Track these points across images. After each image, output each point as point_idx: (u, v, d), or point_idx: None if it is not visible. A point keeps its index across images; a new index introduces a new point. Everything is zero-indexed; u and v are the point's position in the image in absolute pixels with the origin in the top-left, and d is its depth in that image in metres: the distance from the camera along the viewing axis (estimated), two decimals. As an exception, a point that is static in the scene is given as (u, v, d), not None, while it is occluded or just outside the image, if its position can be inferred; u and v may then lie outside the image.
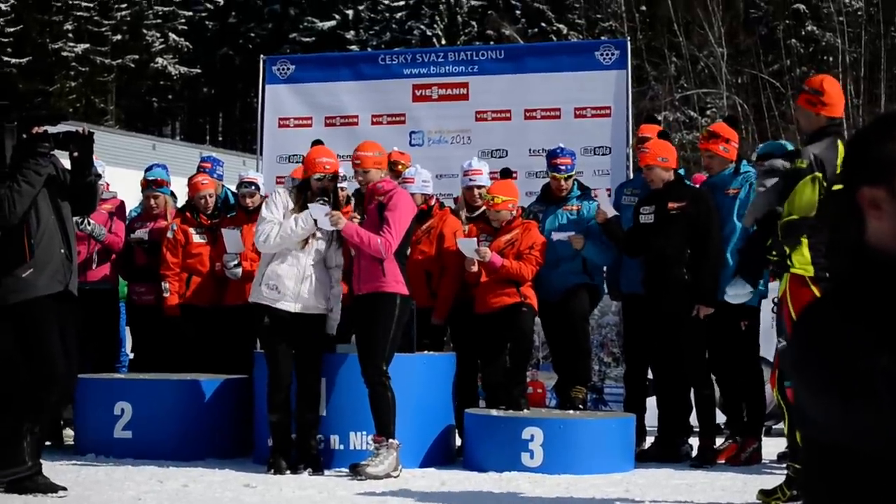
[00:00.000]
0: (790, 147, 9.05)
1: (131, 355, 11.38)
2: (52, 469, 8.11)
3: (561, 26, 45.54)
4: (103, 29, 46.52)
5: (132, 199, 11.77)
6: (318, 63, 13.04)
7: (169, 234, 10.51)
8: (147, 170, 11.18)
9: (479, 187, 10.14)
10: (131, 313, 11.01)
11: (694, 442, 9.63)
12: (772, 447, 9.63)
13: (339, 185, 9.43)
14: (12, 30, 44.59)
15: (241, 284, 9.97)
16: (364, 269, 8.83)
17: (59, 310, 7.76)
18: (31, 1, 45.04)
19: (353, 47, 45.87)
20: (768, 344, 9.81)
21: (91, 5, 46.40)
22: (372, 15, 49.73)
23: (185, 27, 49.63)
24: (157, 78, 48.66)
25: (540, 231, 9.79)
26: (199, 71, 49.28)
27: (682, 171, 10.21)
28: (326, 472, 8.79)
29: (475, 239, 9.64)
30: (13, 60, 44.31)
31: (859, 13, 38.46)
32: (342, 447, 9.06)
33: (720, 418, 9.98)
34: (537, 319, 9.90)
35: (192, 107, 54.71)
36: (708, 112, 39.53)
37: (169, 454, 9.24)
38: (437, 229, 9.93)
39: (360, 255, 8.88)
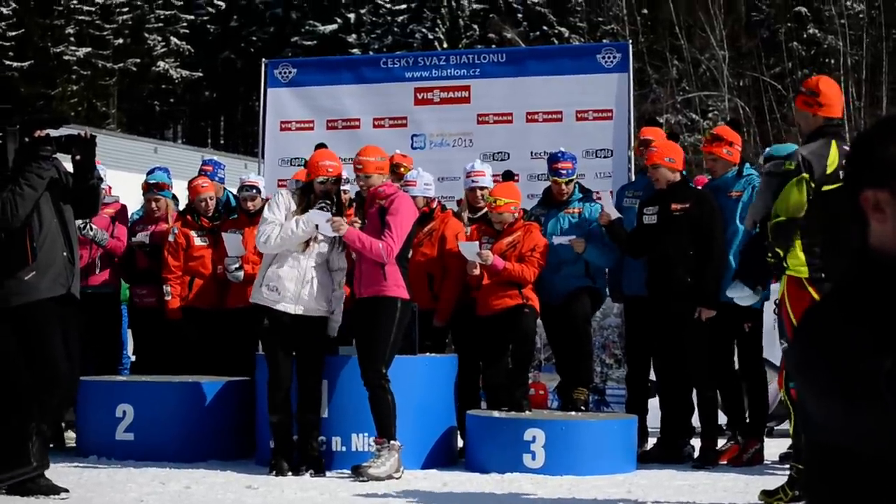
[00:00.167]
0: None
1: (133, 358, 11.39)
2: (54, 471, 8.09)
3: (562, 29, 45.56)
4: (105, 33, 46.56)
5: (134, 202, 11.78)
6: (320, 66, 13.05)
7: (170, 238, 10.52)
8: (148, 173, 11.19)
9: (482, 189, 10.15)
10: (133, 316, 11.03)
11: (696, 443, 9.63)
12: (774, 448, 9.63)
13: (341, 187, 9.44)
14: (14, 34, 44.64)
15: (243, 287, 9.98)
16: (365, 273, 8.84)
17: (62, 313, 7.77)
18: (32, 5, 45.09)
19: (354, 51, 45.89)
20: (771, 345, 9.82)
21: (93, 9, 46.45)
22: (374, 18, 49.76)
23: (187, 31, 49.66)
24: (159, 81, 48.69)
25: (542, 234, 9.80)
26: (200, 74, 49.32)
27: (683, 174, 10.20)
28: (328, 474, 8.80)
29: (477, 242, 9.64)
30: (15, 64, 44.35)
31: (861, 16, 38.48)
32: (344, 449, 9.07)
33: (722, 419, 9.98)
34: (539, 321, 9.90)
35: (194, 110, 54.75)
36: (710, 115, 39.53)
37: (171, 456, 9.25)
38: (439, 232, 9.94)
39: (361, 259, 8.89)
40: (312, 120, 12.17)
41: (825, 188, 7.04)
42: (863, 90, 36.26)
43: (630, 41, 12.55)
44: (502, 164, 11.13)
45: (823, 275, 7.03)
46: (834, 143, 7.22)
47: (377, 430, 8.68)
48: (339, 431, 9.07)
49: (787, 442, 9.05)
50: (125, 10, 47.23)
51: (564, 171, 9.95)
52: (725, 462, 9.43)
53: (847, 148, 7.07)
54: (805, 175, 7.05)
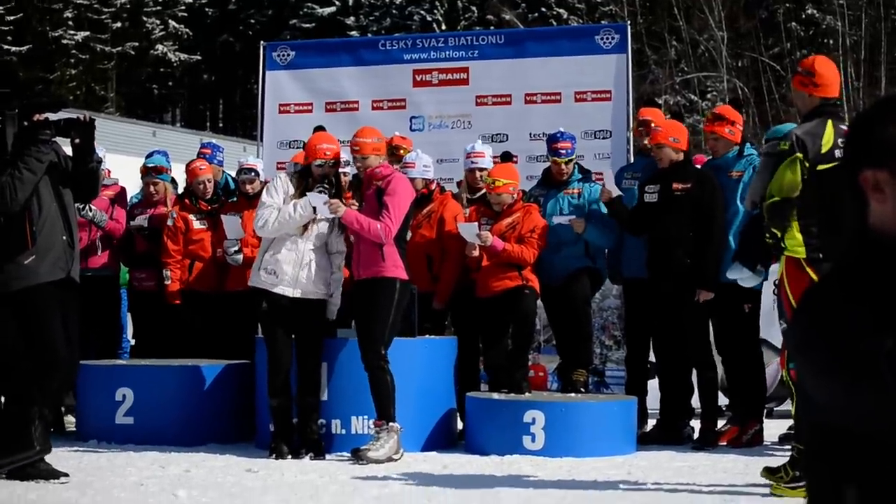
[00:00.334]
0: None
1: (133, 341, 11.39)
2: (54, 455, 8.07)
3: (561, 11, 45.46)
4: (103, 16, 46.43)
5: (132, 185, 11.77)
6: (319, 49, 13.02)
7: (169, 222, 10.51)
8: (147, 157, 11.18)
9: (482, 170, 10.14)
10: (132, 300, 11.02)
11: (695, 424, 9.63)
12: (773, 429, 9.64)
13: (341, 170, 9.43)
14: (12, 18, 44.53)
15: (243, 270, 9.96)
16: (364, 255, 8.84)
17: (61, 297, 7.77)
18: (30, -11, 44.99)
19: (353, 33, 45.78)
20: (769, 326, 9.82)
21: (91, -7, 46.34)
22: (372, 0, 49.63)
23: (185, 14, 49.52)
24: (158, 65, 48.58)
25: (541, 215, 9.79)
26: (199, 58, 49.18)
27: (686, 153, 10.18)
28: (328, 457, 8.81)
29: (476, 223, 9.64)
30: (13, 48, 44.25)
31: (859, -4, 38.41)
32: (343, 431, 9.07)
33: (722, 401, 9.99)
34: (539, 303, 9.90)
35: (193, 93, 54.65)
36: (708, 95, 39.48)
37: (171, 440, 9.25)
38: (438, 213, 9.93)
39: (359, 241, 8.89)
40: (311, 102, 12.15)
41: (820, 168, 7.03)
42: (861, 70, 36.21)
43: (628, 22, 12.54)
44: (501, 145, 11.12)
45: (821, 255, 7.03)
46: (829, 122, 7.20)
47: (377, 412, 8.68)
48: (338, 414, 9.08)
49: (787, 423, 9.07)
50: (123, -7, 47.12)
51: (564, 151, 9.94)
52: (725, 443, 9.43)
53: (845, 128, 7.05)
54: (799, 155, 7.03)
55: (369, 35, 42.01)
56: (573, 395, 9.51)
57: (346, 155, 9.35)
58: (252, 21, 51.37)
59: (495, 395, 9.31)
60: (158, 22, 48.15)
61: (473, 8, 47.23)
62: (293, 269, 8.80)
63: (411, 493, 7.41)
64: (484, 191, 9.98)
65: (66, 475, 7.69)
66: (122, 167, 13.15)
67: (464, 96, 11.75)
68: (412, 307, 9.16)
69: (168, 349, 10.34)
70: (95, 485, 7.59)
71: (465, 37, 12.39)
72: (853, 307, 1.93)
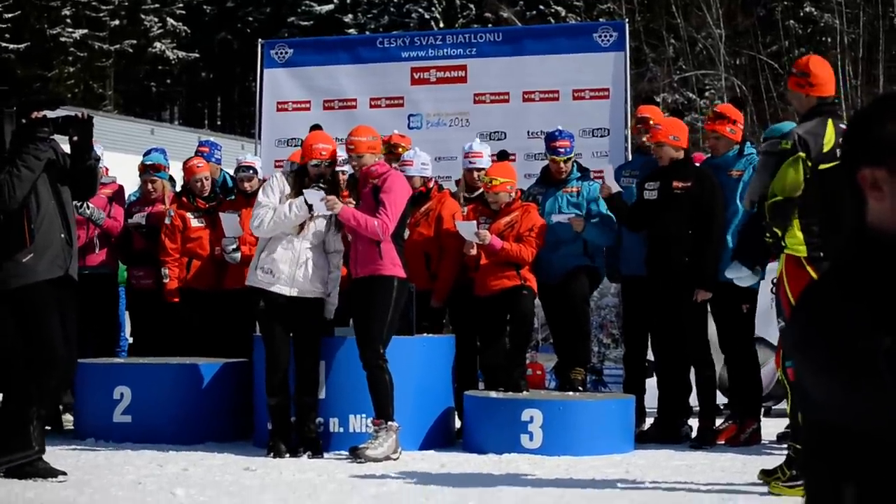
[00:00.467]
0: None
1: (131, 340, 11.37)
2: (52, 454, 8.09)
3: (559, 8, 45.41)
4: (101, 14, 46.39)
5: (131, 183, 11.76)
6: (317, 47, 13.01)
7: (167, 221, 10.49)
8: (145, 154, 11.16)
9: (479, 170, 10.12)
10: (130, 298, 11.00)
11: (693, 423, 9.63)
12: (771, 428, 9.63)
13: (340, 168, 9.42)
14: (10, 15, 44.48)
15: (241, 268, 9.95)
16: (361, 253, 8.83)
17: (59, 295, 7.76)
18: (29, -14, 44.94)
19: (351, 31, 45.75)
20: (766, 324, 9.81)
21: (89, -10, 46.30)
22: (370, -2, 49.60)
23: (183, 12, 49.46)
24: (156, 63, 48.52)
25: (540, 214, 9.79)
26: (197, 55, 49.14)
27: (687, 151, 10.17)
28: (326, 455, 8.81)
29: (474, 222, 9.63)
30: (11, 46, 44.21)
31: (857, -6, 38.37)
32: (342, 430, 9.06)
33: (720, 399, 9.98)
34: (537, 301, 9.89)
35: (191, 91, 54.58)
36: (706, 93, 39.45)
37: (169, 438, 9.24)
38: (436, 212, 9.92)
39: (356, 239, 8.88)
40: (309, 100, 12.15)
41: (822, 167, 7.02)
42: (859, 68, 36.18)
43: (626, 20, 12.53)
44: (499, 143, 11.12)
45: (822, 254, 7.02)
46: (830, 121, 7.21)
47: (375, 411, 8.68)
48: (336, 413, 9.07)
49: (785, 422, 9.05)
50: (121, -9, 47.08)
51: (562, 150, 9.93)
52: (723, 442, 9.43)
53: (844, 126, 7.05)
54: (801, 154, 7.03)
55: (367, 33, 41.99)
56: (571, 393, 9.50)
57: (343, 153, 9.34)
58: (250, 19, 51.33)
59: (493, 394, 9.30)
60: (156, 20, 48.10)
61: (471, 6, 47.19)
62: (290, 268, 8.80)
63: (409, 492, 7.40)
64: (482, 190, 9.97)
65: (64, 473, 7.68)
66: (120, 165, 13.13)
67: (462, 94, 11.75)
68: (410, 305, 9.15)
69: (166, 347, 10.33)
70: (93, 483, 7.58)
71: (463, 35, 12.39)
72: (851, 305, 1.93)
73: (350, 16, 48.85)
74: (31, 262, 7.67)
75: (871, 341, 1.87)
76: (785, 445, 8.24)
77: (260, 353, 9.07)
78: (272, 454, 8.72)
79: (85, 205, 10.09)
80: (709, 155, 10.20)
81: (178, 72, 50.63)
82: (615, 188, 9.65)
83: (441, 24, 45.02)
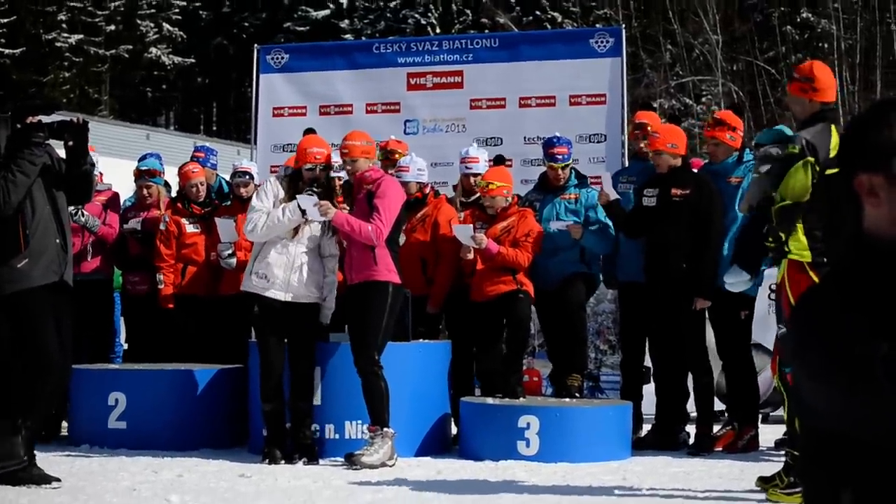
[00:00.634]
0: (788, 132, 9.03)
1: (125, 346, 11.34)
2: (46, 460, 8.08)
3: (555, 14, 45.45)
4: (97, 19, 46.38)
5: (126, 189, 11.73)
6: (313, 52, 13.00)
7: (161, 226, 10.47)
8: (140, 160, 11.14)
9: (476, 175, 10.11)
10: (126, 304, 10.97)
11: (691, 429, 9.60)
12: (769, 434, 9.61)
13: (335, 173, 9.41)
14: (6, 20, 44.46)
15: (236, 274, 9.91)
16: (355, 259, 8.81)
17: (54, 300, 7.73)
18: (24, -9, 44.93)
19: (347, 36, 45.74)
20: (764, 331, 9.80)
21: (85, -4, 46.29)
22: (366, 4, 49.60)
23: (179, 17, 49.47)
24: (151, 68, 48.52)
25: (538, 220, 9.76)
26: (193, 61, 49.15)
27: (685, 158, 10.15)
28: (321, 462, 8.78)
29: (471, 226, 9.61)
30: (6, 51, 44.19)
31: (854, 0, 38.40)
32: (337, 436, 9.03)
33: (718, 406, 9.95)
34: (533, 307, 9.87)
35: (186, 97, 54.57)
36: (703, 99, 39.49)
37: (163, 444, 9.22)
38: (432, 217, 9.90)
39: (351, 245, 8.86)
40: (305, 106, 12.13)
41: (828, 171, 7.01)
42: (857, 74, 36.21)
43: (623, 25, 12.52)
44: (495, 149, 11.09)
45: (825, 259, 7.00)
46: (833, 127, 7.20)
47: (370, 418, 8.65)
48: (332, 419, 9.04)
49: (783, 428, 9.03)
50: (117, -4, 47.08)
51: (560, 157, 9.91)
52: (721, 448, 9.41)
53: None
54: (810, 158, 7.01)
55: (363, 38, 42.00)
56: (568, 399, 9.48)
57: (338, 158, 9.32)
58: (246, 24, 51.34)
59: (489, 400, 9.28)
60: (152, 25, 48.11)
61: (468, 11, 47.21)
62: (284, 273, 8.77)
63: (405, 499, 7.38)
64: (478, 195, 9.95)
65: (58, 480, 7.65)
66: (115, 170, 13.13)
67: (458, 100, 11.73)
68: (406, 311, 9.13)
69: (161, 353, 10.30)
70: (87, 490, 7.55)
71: (460, 40, 12.37)
72: (849, 312, 1.93)
73: (346, 21, 48.86)
74: (26, 268, 7.64)
75: (868, 347, 1.86)
76: (782, 452, 8.23)
77: (255, 359, 9.04)
78: (267, 461, 8.70)
79: (79, 212, 10.06)
80: (707, 161, 10.18)
81: (174, 77, 50.63)
82: (613, 195, 9.63)
83: (437, 30, 45.05)
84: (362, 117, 11.75)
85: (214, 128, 54.13)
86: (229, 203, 10.69)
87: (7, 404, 7.64)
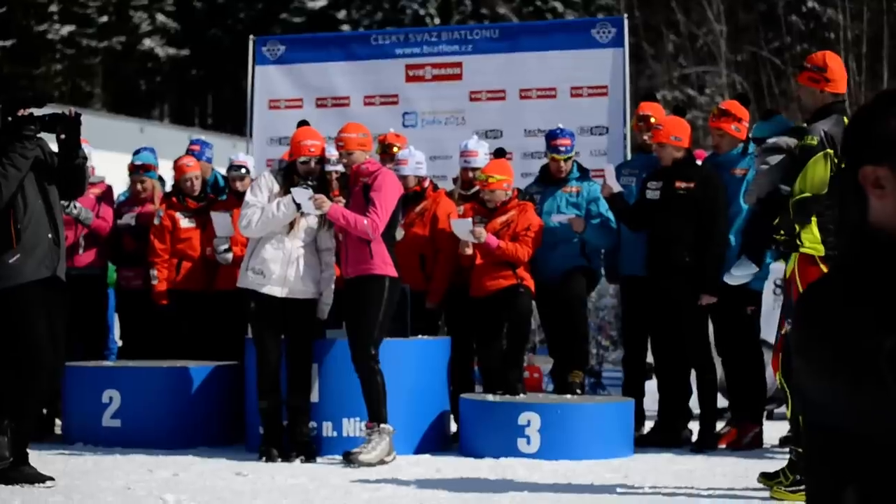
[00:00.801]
0: (789, 123, 8.95)
1: (120, 342, 11.27)
2: (40, 459, 8.05)
3: (556, 4, 45.41)
4: (89, 10, 46.29)
5: (120, 183, 11.65)
6: (309, 43, 12.89)
7: (156, 221, 10.38)
8: (134, 154, 11.04)
9: (475, 169, 10.03)
10: (120, 299, 10.90)
11: (694, 426, 9.54)
12: (773, 431, 9.61)
13: (333, 167, 9.33)
14: (-3, 12, 44.39)
15: (232, 269, 9.84)
16: (351, 253, 8.76)
17: (47, 296, 7.70)
18: (15, -18, 44.84)
19: (344, 27, 45.70)
20: (769, 327, 9.70)
21: (77, -14, 46.21)
22: (363, -6, 49.55)
23: (173, 8, 49.41)
24: (145, 60, 48.47)
25: (538, 213, 9.68)
26: (187, 52, 49.10)
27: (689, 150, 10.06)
28: (319, 460, 8.76)
29: (470, 220, 9.53)
30: (-3, 43, 44.12)
31: (861, -11, 38.33)
32: (335, 434, 9.00)
33: (721, 402, 9.89)
34: (534, 302, 9.80)
35: (181, 89, 54.52)
36: (707, 90, 39.44)
37: (158, 443, 9.18)
38: (431, 211, 9.84)
39: (347, 239, 8.81)
40: (301, 98, 12.03)
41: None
42: (863, 65, 36.13)
43: (625, 15, 12.36)
44: (495, 141, 10.99)
45: (837, 252, 6.91)
46: (845, 119, 7.13)
47: (368, 414, 8.60)
48: (329, 416, 9.00)
49: (787, 425, 8.97)
50: (110, -14, 47.01)
51: (563, 148, 9.83)
52: (724, 446, 9.37)
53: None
54: (830, 150, 6.95)
55: (361, 29, 41.93)
56: (569, 396, 9.42)
57: (333, 151, 9.23)
58: (241, 15, 51.23)
59: (489, 397, 9.24)
60: (146, 16, 48.04)
61: (467, 2, 47.16)
62: (281, 268, 8.70)
63: (404, 497, 7.34)
64: (478, 188, 9.86)
65: (52, 479, 7.62)
66: (108, 164, 13.00)
67: (457, 92, 11.64)
68: (405, 307, 9.06)
69: (156, 350, 10.23)
70: (82, 489, 7.52)
71: (459, 31, 12.32)
72: (854, 306, 1.90)
73: (343, 12, 48.79)
74: (18, 263, 7.61)
75: (873, 342, 1.84)
76: (787, 449, 8.17)
77: (251, 355, 8.99)
78: (264, 459, 8.65)
79: (72, 204, 9.97)
80: (711, 152, 10.10)
81: (168, 69, 50.57)
82: (616, 188, 9.55)
83: (436, 21, 44.99)
84: (360, 110, 11.65)
85: (209, 121, 54.10)
86: (225, 197, 10.61)
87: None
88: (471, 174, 10.08)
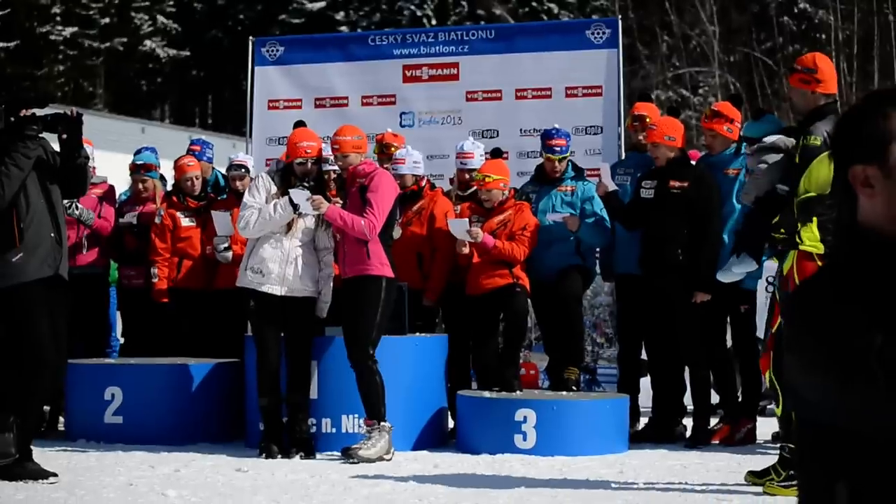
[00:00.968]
0: (781, 123, 8.99)
1: (122, 340, 11.32)
2: (43, 455, 8.08)
3: (552, 5, 45.40)
4: (91, 12, 46.27)
5: (121, 182, 11.68)
6: (308, 44, 12.93)
7: (157, 220, 10.43)
8: (136, 153, 11.09)
9: (471, 170, 10.07)
10: (122, 298, 10.94)
11: (688, 422, 9.59)
12: (766, 427, 9.61)
13: (331, 167, 9.38)
14: (0, 13, 44.37)
15: (232, 268, 9.88)
16: (349, 253, 8.80)
17: (49, 295, 7.71)
18: (18, -16, 44.82)
19: (342, 28, 45.68)
20: (762, 324, 9.77)
21: (79, -12, 46.19)
22: (361, -5, 49.52)
23: (174, 9, 49.37)
24: (146, 61, 48.43)
25: (533, 212, 9.74)
26: (187, 53, 49.07)
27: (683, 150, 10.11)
28: (318, 456, 8.77)
29: (466, 219, 9.58)
30: (1, 44, 44.10)
31: (852, -10, 38.32)
32: (334, 430, 9.03)
33: (714, 399, 9.94)
34: (529, 300, 9.84)
35: (182, 89, 54.49)
36: (700, 91, 39.44)
37: (160, 439, 9.20)
38: (428, 210, 9.88)
39: (344, 239, 8.84)
40: (300, 98, 12.07)
41: None
42: (854, 65, 36.15)
43: (619, 17, 12.43)
44: (492, 141, 11.05)
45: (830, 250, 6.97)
46: None
47: (366, 412, 8.64)
48: (329, 413, 9.03)
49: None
50: (112, -12, 46.98)
51: (558, 148, 9.88)
52: (718, 442, 9.40)
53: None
54: None
55: (359, 30, 41.91)
56: (565, 393, 9.46)
57: (329, 152, 9.28)
58: (241, 16, 51.22)
59: (486, 394, 9.27)
60: (147, 17, 48.01)
61: (463, 3, 47.14)
62: (279, 267, 8.75)
63: (402, 493, 7.38)
64: (474, 188, 9.92)
65: (55, 475, 7.65)
66: (110, 164, 13.07)
67: (454, 92, 11.68)
68: (403, 305, 9.10)
69: (157, 348, 10.28)
70: (84, 485, 7.55)
71: (456, 32, 12.32)
72: (845, 304, 1.93)
73: (342, 13, 48.79)
74: (21, 262, 7.62)
75: (864, 339, 1.86)
76: (779, 445, 8.21)
77: (251, 353, 9.02)
78: (264, 455, 8.68)
79: (73, 205, 10.02)
80: (704, 152, 10.16)
81: (169, 70, 50.54)
82: (611, 186, 9.60)
83: (433, 22, 44.97)
84: (358, 110, 11.71)
85: (210, 121, 54.05)
86: (225, 196, 10.66)
87: (1, 400, 7.63)
88: (467, 175, 10.12)
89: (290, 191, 8.73)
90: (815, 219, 6.99)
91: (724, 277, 8.73)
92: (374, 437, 8.55)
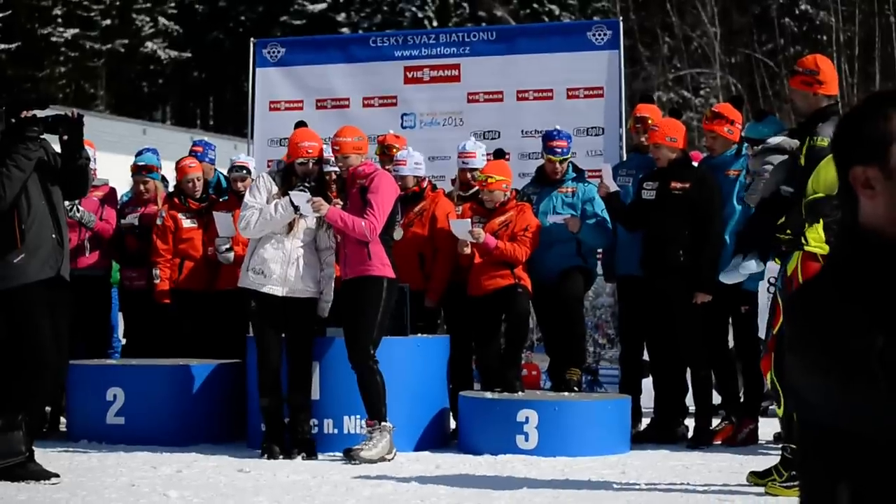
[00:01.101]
0: (783, 124, 8.98)
1: (123, 341, 11.33)
2: (45, 456, 8.08)
3: (553, 7, 45.41)
4: (93, 14, 46.28)
5: (123, 184, 11.69)
6: (309, 46, 12.94)
7: (158, 221, 10.44)
8: (137, 155, 11.10)
9: (473, 170, 10.08)
10: (123, 299, 10.95)
11: (690, 423, 9.59)
12: (768, 428, 9.61)
13: (332, 168, 9.38)
14: (1, 15, 44.38)
15: (234, 269, 9.89)
16: (350, 254, 8.80)
17: (51, 296, 7.71)
18: (19, -14, 44.83)
19: (343, 30, 45.70)
20: (764, 325, 9.78)
21: (80, -10, 46.20)
22: (363, -3, 49.55)
23: (175, 11, 49.39)
24: (147, 62, 48.45)
25: (534, 213, 9.74)
26: (189, 55, 49.09)
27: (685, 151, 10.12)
28: (320, 457, 8.77)
29: (468, 220, 9.59)
30: (2, 46, 44.09)
31: (853, -9, 38.33)
32: (336, 431, 9.03)
33: (716, 399, 9.95)
34: (531, 302, 9.85)
35: (183, 91, 54.51)
36: (701, 92, 39.44)
37: (162, 440, 9.20)
38: (430, 211, 9.89)
39: (345, 240, 8.85)
40: (302, 99, 12.08)
41: None
42: (855, 67, 36.15)
43: (621, 18, 12.44)
44: (493, 143, 11.06)
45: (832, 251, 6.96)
46: None
47: (367, 412, 8.64)
48: (330, 414, 9.03)
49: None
50: (113, -10, 47.00)
51: (559, 150, 9.89)
52: (720, 442, 9.40)
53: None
54: None
55: (360, 32, 41.92)
56: (567, 393, 9.46)
57: (330, 153, 9.29)
58: (242, 18, 51.26)
59: (488, 395, 9.27)
60: (148, 19, 48.03)
61: (465, 4, 47.16)
62: (281, 268, 8.75)
63: (404, 494, 7.38)
64: (476, 189, 9.93)
65: (57, 476, 7.65)
66: (111, 165, 13.08)
67: (455, 93, 11.69)
68: (405, 306, 9.11)
69: (159, 349, 10.28)
70: (86, 485, 7.56)
71: (457, 33, 12.31)
72: (845, 305, 1.93)
73: (343, 14, 48.81)
74: (22, 263, 7.63)
75: (865, 340, 1.86)
76: (781, 446, 8.21)
77: (253, 354, 9.03)
78: (266, 456, 8.68)
79: (75, 208, 10.03)
80: (706, 154, 10.16)
81: (170, 71, 50.56)
82: (613, 187, 9.61)
83: (434, 23, 44.99)
84: (359, 111, 11.72)
85: (211, 122, 54.07)
86: (227, 197, 10.67)
87: (6, 400, 7.63)
88: (469, 175, 10.13)
89: (291, 192, 8.74)
90: (821, 220, 6.99)
91: (729, 278, 8.71)
92: (375, 438, 8.55)
